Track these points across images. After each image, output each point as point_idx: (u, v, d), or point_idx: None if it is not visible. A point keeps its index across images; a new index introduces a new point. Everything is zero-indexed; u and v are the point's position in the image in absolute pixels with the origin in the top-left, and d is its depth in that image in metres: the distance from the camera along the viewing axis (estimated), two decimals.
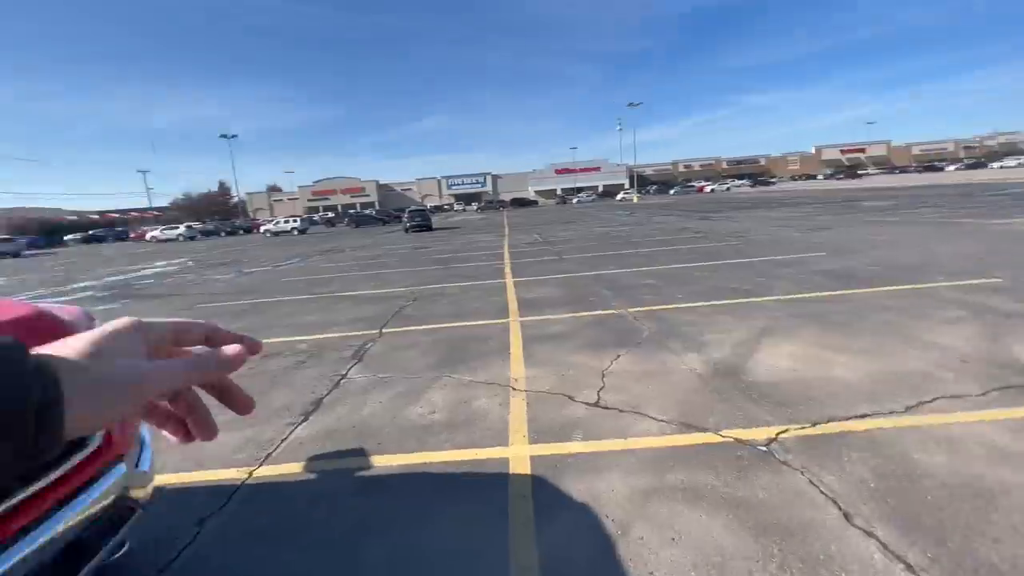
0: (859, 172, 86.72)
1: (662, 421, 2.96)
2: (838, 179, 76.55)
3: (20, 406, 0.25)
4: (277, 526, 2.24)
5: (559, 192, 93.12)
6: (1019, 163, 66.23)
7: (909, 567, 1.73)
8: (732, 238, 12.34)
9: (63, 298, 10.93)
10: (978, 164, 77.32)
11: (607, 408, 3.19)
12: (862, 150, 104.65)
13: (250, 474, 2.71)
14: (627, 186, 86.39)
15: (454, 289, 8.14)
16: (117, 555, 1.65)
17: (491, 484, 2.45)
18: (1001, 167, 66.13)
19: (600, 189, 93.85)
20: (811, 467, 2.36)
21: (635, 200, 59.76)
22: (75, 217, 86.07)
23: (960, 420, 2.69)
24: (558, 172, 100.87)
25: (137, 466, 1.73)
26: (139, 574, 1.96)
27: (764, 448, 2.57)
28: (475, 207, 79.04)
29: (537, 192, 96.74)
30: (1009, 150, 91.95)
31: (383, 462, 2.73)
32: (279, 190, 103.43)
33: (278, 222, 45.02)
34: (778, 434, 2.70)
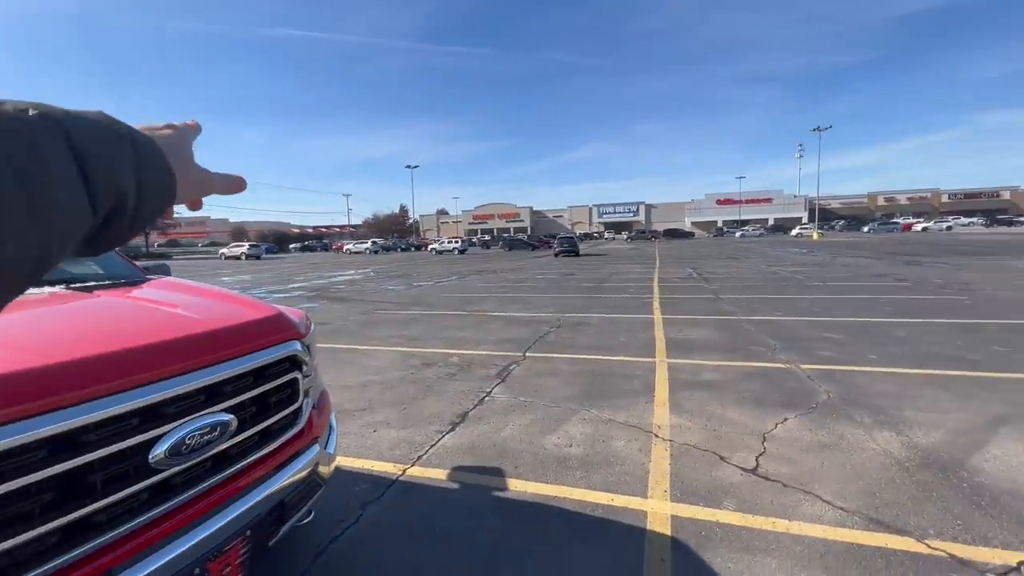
0: None
1: (840, 509, 2.47)
2: None
3: (171, 186, 0.48)
4: (424, 527, 2.44)
5: (719, 224, 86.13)
6: None
7: None
8: (954, 291, 9.88)
9: (285, 295, 13.80)
10: None
11: (768, 479, 2.78)
12: None
13: (403, 471, 3.01)
14: (805, 220, 76.08)
15: (598, 320, 8.06)
16: (305, 521, 1.98)
17: (627, 538, 2.31)
18: None
19: (770, 222, 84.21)
20: None
21: (815, 237, 52.07)
22: (297, 230, 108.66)
23: None
24: (719, 203, 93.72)
25: (326, 447, 2.06)
26: (316, 541, 2.32)
27: None
28: (625, 236, 77.60)
29: (694, 224, 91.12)
30: None
31: (520, 487, 2.79)
32: (446, 213, 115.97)
33: (442, 242, 50.68)
34: (1022, 564, 2.03)
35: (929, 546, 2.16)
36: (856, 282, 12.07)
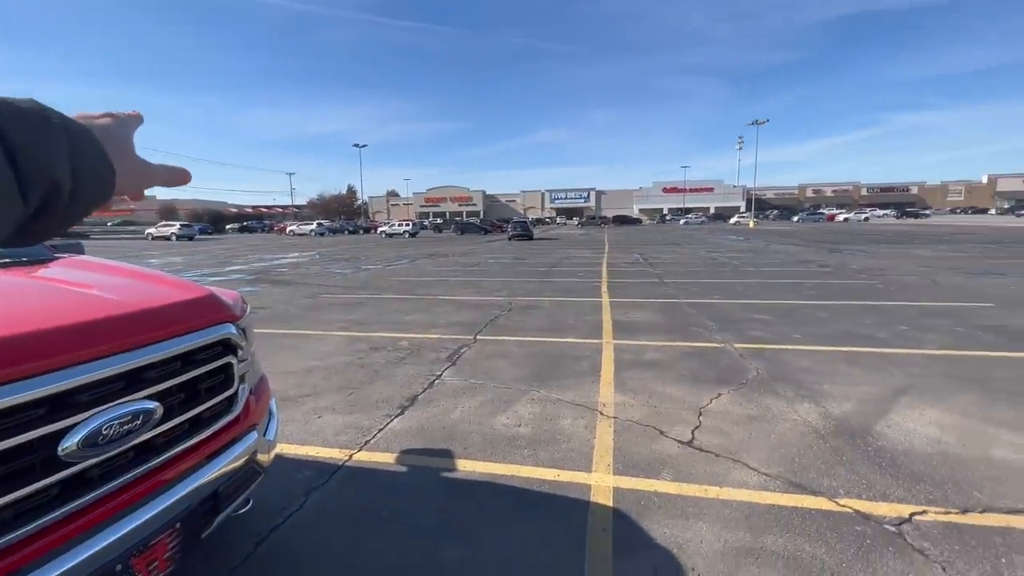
0: None
1: (765, 474, 2.68)
2: (1020, 215, 63.52)
3: (109, 176, 0.47)
4: (369, 511, 2.42)
5: (665, 211, 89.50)
6: None
7: None
8: (868, 276, 10.84)
9: (221, 278, 12.98)
10: None
11: (702, 450, 2.97)
12: None
13: (350, 456, 2.96)
14: (743, 209, 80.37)
15: (549, 303, 8.19)
16: (242, 510, 1.91)
17: (572, 510, 2.40)
18: None
19: (712, 211, 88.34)
20: (956, 563, 1.97)
21: (751, 225, 55.18)
22: (235, 210, 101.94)
23: None
24: (665, 191, 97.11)
25: (265, 434, 1.98)
26: (256, 530, 2.24)
27: (894, 528, 2.20)
28: (576, 222, 78.84)
29: (641, 211, 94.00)
30: None
31: (468, 467, 2.81)
32: (397, 195, 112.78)
33: (393, 225, 49.28)
34: (913, 515, 2.30)
35: (838, 504, 2.40)
36: (785, 267, 12.96)
